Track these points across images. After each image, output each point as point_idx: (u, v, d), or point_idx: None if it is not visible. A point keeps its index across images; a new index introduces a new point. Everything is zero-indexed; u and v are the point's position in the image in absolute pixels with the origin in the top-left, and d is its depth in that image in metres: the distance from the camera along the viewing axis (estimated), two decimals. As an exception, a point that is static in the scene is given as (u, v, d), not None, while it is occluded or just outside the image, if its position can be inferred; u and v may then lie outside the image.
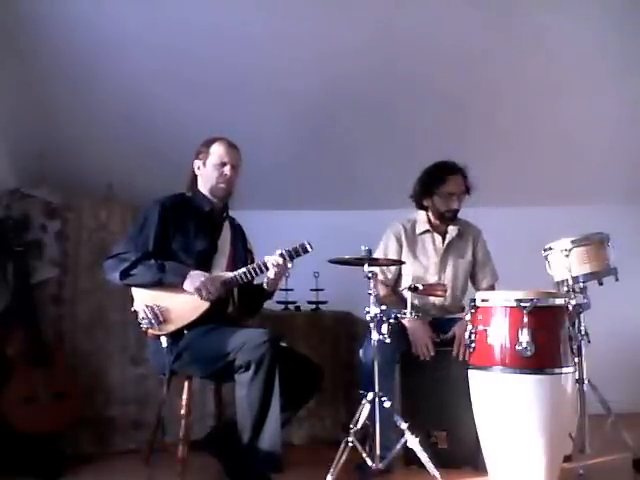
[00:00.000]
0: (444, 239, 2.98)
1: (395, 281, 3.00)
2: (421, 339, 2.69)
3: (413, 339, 2.71)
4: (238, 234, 2.70)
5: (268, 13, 3.05)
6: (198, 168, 2.58)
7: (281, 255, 2.41)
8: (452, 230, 2.98)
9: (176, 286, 2.35)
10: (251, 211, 3.04)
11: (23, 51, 3.04)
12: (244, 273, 2.41)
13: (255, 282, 2.59)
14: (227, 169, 2.53)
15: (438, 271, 2.94)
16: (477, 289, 2.99)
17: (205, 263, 2.46)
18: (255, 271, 2.42)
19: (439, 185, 2.90)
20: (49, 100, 3.26)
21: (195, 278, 2.34)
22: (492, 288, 2.97)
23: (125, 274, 2.35)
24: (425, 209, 2.99)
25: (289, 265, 2.43)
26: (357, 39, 3.18)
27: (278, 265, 2.41)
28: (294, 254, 2.41)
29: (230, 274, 2.44)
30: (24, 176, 3.33)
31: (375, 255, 2.79)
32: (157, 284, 2.35)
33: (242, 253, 2.66)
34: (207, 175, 2.55)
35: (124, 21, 3.03)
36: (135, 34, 3.08)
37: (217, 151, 2.54)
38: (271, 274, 2.46)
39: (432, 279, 2.91)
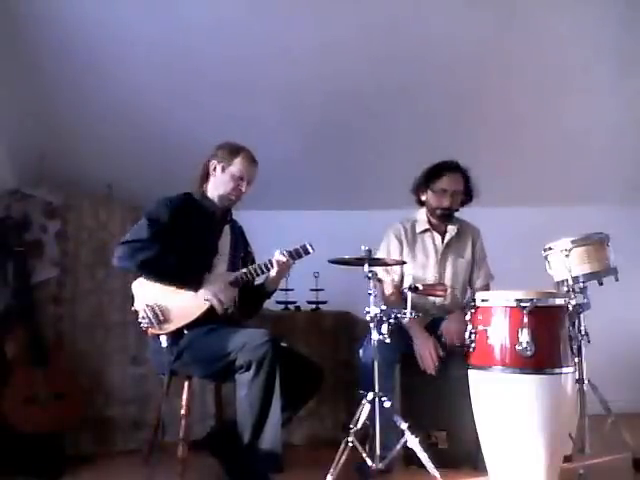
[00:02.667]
0: (443, 238, 2.98)
1: (400, 282, 3.00)
2: (428, 357, 2.66)
3: (419, 353, 2.69)
4: (238, 236, 2.70)
5: (270, 11, 3.05)
6: (214, 169, 2.55)
7: (282, 254, 2.41)
8: (451, 229, 2.98)
9: (187, 290, 2.38)
10: (251, 211, 3.04)
11: (23, 51, 3.04)
12: (248, 272, 2.43)
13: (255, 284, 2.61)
14: (243, 185, 2.54)
15: (438, 270, 2.94)
16: (471, 288, 2.99)
17: (205, 264, 2.47)
18: (259, 270, 2.44)
19: (434, 180, 2.91)
20: (49, 101, 3.26)
21: (209, 289, 2.36)
22: (487, 288, 2.97)
23: (145, 265, 2.34)
24: (424, 205, 3.00)
25: (292, 263, 2.45)
26: (357, 40, 3.18)
27: (281, 263, 2.42)
28: (295, 255, 2.41)
29: (234, 274, 2.45)
30: (24, 176, 3.33)
31: (377, 256, 2.80)
32: (172, 282, 2.37)
33: (241, 254, 2.66)
34: (221, 182, 2.54)
35: (124, 21, 3.03)
36: (135, 34, 3.08)
37: (241, 165, 2.53)
38: (273, 272, 2.47)
39: (432, 278, 2.91)
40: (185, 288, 2.38)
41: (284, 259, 2.42)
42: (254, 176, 2.58)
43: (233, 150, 2.55)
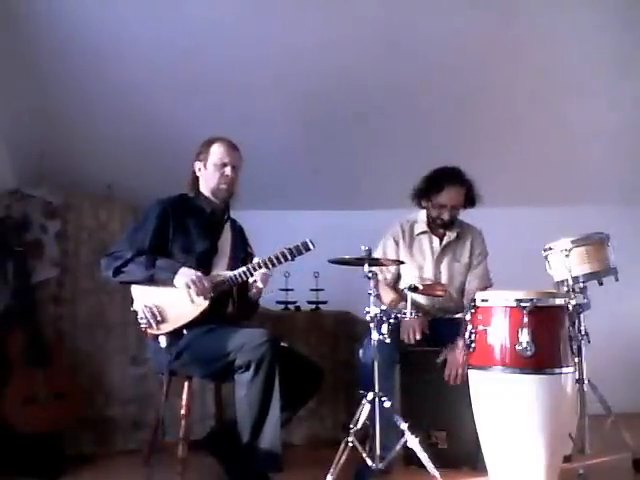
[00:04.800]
0: (441, 241, 2.97)
1: (395, 282, 3.00)
2: (409, 322, 2.65)
3: (402, 322, 2.67)
4: (238, 235, 2.70)
5: (270, 11, 3.05)
6: (199, 169, 2.57)
7: (259, 265, 2.39)
8: (450, 233, 2.98)
9: (168, 283, 2.35)
10: (251, 211, 3.04)
11: (23, 51, 3.04)
12: (238, 275, 2.41)
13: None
14: (228, 170, 2.53)
15: (434, 272, 2.94)
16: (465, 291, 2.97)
17: (205, 264, 2.47)
18: (249, 273, 2.42)
19: (435, 193, 2.88)
20: (49, 100, 3.26)
21: (185, 275, 2.34)
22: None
23: (117, 271, 2.36)
24: (425, 208, 3.00)
25: (270, 272, 2.43)
26: (357, 41, 3.18)
27: (263, 275, 2.42)
28: (296, 252, 2.40)
29: (224, 276, 2.43)
30: (24, 176, 3.33)
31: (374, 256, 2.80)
32: (149, 281, 2.36)
33: (241, 254, 2.66)
34: (208, 176, 2.55)
35: (124, 21, 3.03)
36: (135, 34, 3.08)
37: (217, 152, 2.54)
38: (255, 281, 2.44)
39: (428, 279, 2.90)
40: (161, 278, 2.36)
41: (264, 271, 2.41)
42: (237, 160, 2.56)
43: (207, 142, 2.57)
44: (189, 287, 2.32)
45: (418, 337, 2.66)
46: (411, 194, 2.99)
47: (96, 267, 2.55)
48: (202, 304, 2.36)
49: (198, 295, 2.33)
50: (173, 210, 2.50)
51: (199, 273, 2.36)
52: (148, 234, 2.44)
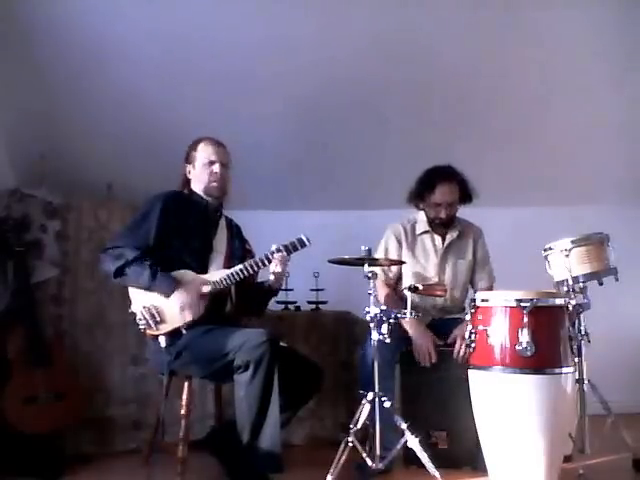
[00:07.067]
0: (444, 240, 2.97)
1: (396, 281, 3.00)
2: (424, 345, 2.68)
3: (415, 345, 2.70)
4: (235, 233, 2.70)
5: (269, 16, 3.05)
6: (189, 172, 2.60)
7: (278, 250, 2.40)
8: (452, 231, 2.98)
9: (163, 296, 2.37)
10: (251, 211, 3.04)
11: (23, 52, 3.04)
12: (240, 270, 2.41)
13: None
14: (216, 167, 2.55)
15: (437, 272, 2.94)
16: (474, 290, 2.98)
17: (202, 261, 2.48)
18: (250, 268, 2.41)
19: (429, 193, 2.89)
20: (49, 100, 3.26)
21: (182, 296, 2.35)
22: (490, 289, 2.95)
23: (119, 272, 2.37)
24: (423, 209, 3.00)
25: (288, 258, 2.43)
26: (356, 41, 3.17)
27: (281, 258, 2.41)
28: (291, 249, 2.41)
29: (220, 276, 2.43)
30: (24, 176, 3.32)
31: (375, 255, 2.80)
32: (146, 289, 2.37)
33: (239, 252, 2.65)
34: (198, 176, 2.57)
35: (124, 21, 3.03)
36: (134, 36, 3.08)
37: (204, 151, 2.56)
38: (276, 267, 2.45)
39: (431, 279, 2.90)
40: (157, 293, 2.37)
41: (282, 254, 2.41)
42: (224, 157, 2.58)
43: (193, 144, 2.60)
44: (183, 310, 2.34)
45: (434, 360, 2.67)
46: (407, 197, 2.99)
47: (96, 265, 2.54)
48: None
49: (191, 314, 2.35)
50: (173, 205, 2.51)
51: (194, 295, 2.36)
52: (152, 229, 2.43)
